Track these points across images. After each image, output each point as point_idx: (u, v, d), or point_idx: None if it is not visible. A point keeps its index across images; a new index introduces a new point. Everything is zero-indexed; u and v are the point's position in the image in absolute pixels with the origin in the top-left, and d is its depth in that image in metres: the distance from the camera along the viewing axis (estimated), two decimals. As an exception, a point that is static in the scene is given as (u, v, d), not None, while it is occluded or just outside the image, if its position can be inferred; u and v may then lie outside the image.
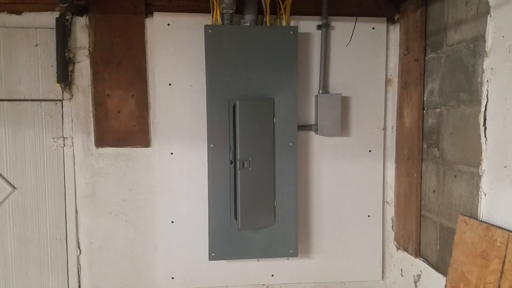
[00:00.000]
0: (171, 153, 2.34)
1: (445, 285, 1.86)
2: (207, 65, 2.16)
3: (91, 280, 2.40)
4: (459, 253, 1.79)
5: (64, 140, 2.32)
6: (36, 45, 2.25)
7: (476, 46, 1.78)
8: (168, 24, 2.28)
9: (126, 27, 2.27)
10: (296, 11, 2.31)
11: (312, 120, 2.40)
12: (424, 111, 2.21)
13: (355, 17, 2.35)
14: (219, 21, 2.20)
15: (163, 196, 2.36)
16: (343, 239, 2.50)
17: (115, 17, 2.25)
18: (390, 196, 2.52)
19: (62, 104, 2.30)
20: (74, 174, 2.34)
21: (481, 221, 1.72)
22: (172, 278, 2.40)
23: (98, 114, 2.29)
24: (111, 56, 2.27)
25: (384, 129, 2.48)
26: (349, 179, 2.47)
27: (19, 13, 2.23)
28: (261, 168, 2.19)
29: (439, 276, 2.06)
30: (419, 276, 2.26)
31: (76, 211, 2.36)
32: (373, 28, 2.40)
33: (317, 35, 2.37)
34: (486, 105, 1.71)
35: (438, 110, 2.08)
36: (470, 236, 1.74)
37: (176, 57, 2.30)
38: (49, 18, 2.24)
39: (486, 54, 1.70)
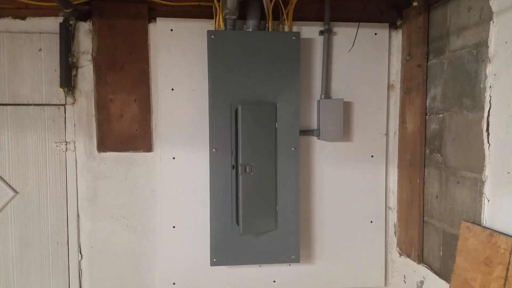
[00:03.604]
0: (173, 158, 2.34)
1: (448, 292, 1.85)
2: (210, 70, 2.16)
3: (92, 285, 2.39)
4: (462, 259, 1.78)
5: (66, 144, 2.32)
6: (40, 49, 2.26)
7: (479, 52, 1.77)
8: (171, 29, 2.29)
9: (129, 32, 2.28)
10: (299, 17, 2.32)
11: (314, 125, 2.40)
12: (427, 117, 2.20)
13: (358, 23, 2.35)
14: (222, 27, 2.21)
15: (164, 201, 2.36)
16: (345, 245, 2.48)
17: (119, 22, 2.27)
18: (393, 201, 2.51)
19: (65, 108, 2.31)
20: (76, 178, 2.34)
21: (485, 227, 1.71)
22: (173, 283, 2.39)
23: (101, 118, 2.30)
24: (114, 61, 2.28)
25: (387, 134, 2.48)
26: (351, 185, 2.46)
27: (23, 18, 2.25)
28: (263, 173, 2.19)
29: (442, 283, 2.04)
30: (422, 282, 2.24)
31: (78, 215, 2.36)
32: (376, 34, 2.40)
33: (319, 41, 2.37)
34: (489, 111, 1.70)
35: (440, 115, 2.07)
36: (473, 243, 1.73)
37: (178, 62, 2.31)
38: (53, 23, 2.25)
39: (489, 60, 1.70)
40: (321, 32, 2.35)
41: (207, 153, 2.23)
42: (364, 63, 2.41)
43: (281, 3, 2.23)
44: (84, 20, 2.28)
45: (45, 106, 2.29)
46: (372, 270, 2.51)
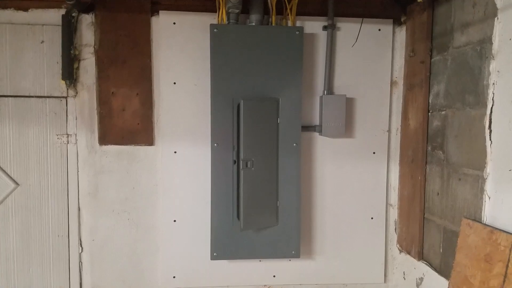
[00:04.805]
0: (175, 152, 2.34)
1: (448, 288, 1.85)
2: (212, 64, 2.16)
3: (93, 278, 2.40)
4: (462, 256, 1.78)
5: (68, 137, 2.32)
6: (42, 42, 2.26)
7: (482, 49, 1.77)
8: (174, 23, 2.29)
9: (131, 25, 2.27)
10: (302, 12, 2.30)
11: (316, 121, 2.40)
12: (429, 114, 2.20)
13: (361, 18, 2.34)
14: (225, 21, 2.20)
15: (165, 195, 2.36)
16: (346, 241, 2.48)
17: (121, 15, 2.26)
18: (394, 198, 2.51)
19: (66, 101, 2.31)
20: (78, 171, 2.34)
21: (485, 224, 1.71)
22: (174, 277, 2.40)
23: (102, 111, 2.30)
24: (116, 54, 2.28)
25: (389, 131, 2.47)
26: (353, 181, 2.46)
27: (25, 9, 2.24)
28: (264, 168, 2.19)
29: (442, 280, 2.05)
30: (421, 279, 2.25)
31: (79, 209, 2.36)
32: (379, 30, 2.39)
33: (322, 36, 2.36)
34: (491, 108, 1.70)
35: (443, 112, 2.07)
36: (474, 240, 1.73)
37: (181, 56, 2.30)
38: (55, 15, 2.24)
39: (493, 57, 1.69)
40: (325, 28, 2.34)
41: (209, 147, 2.23)
42: (367, 59, 2.40)
43: (284, -3, 2.23)
44: (87, 12, 2.27)
45: (47, 99, 2.29)
46: (372, 267, 2.51)
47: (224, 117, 2.18)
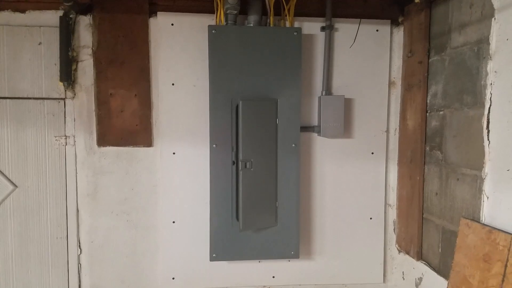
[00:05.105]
0: (173, 153, 2.34)
1: (447, 288, 1.86)
2: (211, 65, 2.16)
3: (92, 279, 2.39)
4: (461, 256, 1.79)
5: (66, 138, 2.32)
6: (40, 43, 2.25)
7: (480, 49, 1.77)
8: (172, 24, 2.29)
9: (130, 26, 2.27)
10: (300, 13, 2.31)
11: (315, 122, 2.40)
12: (428, 114, 2.20)
13: (359, 19, 2.35)
14: (223, 22, 2.21)
15: (164, 196, 2.36)
16: (345, 241, 2.49)
17: (119, 16, 2.26)
18: (392, 198, 2.52)
19: (64, 102, 2.30)
20: (76, 173, 2.34)
21: (484, 224, 1.71)
22: (173, 278, 2.39)
23: (101, 113, 2.29)
24: (114, 55, 2.27)
25: (387, 131, 2.48)
26: (351, 181, 2.46)
27: (23, 11, 2.24)
28: (263, 169, 2.19)
29: (441, 280, 2.05)
30: (420, 279, 2.25)
31: (77, 210, 2.36)
32: (377, 30, 2.40)
33: (320, 37, 2.36)
34: (489, 108, 1.70)
35: (441, 112, 2.07)
36: (473, 239, 1.73)
37: (179, 57, 2.30)
38: (53, 17, 2.24)
39: (490, 57, 1.70)
40: (323, 28, 2.34)
41: (208, 148, 2.23)
42: (365, 60, 2.40)
43: (282, -2, 2.23)
44: (85, 14, 2.26)
45: (45, 100, 2.28)
46: (371, 267, 2.52)
47: (223, 118, 2.18)
